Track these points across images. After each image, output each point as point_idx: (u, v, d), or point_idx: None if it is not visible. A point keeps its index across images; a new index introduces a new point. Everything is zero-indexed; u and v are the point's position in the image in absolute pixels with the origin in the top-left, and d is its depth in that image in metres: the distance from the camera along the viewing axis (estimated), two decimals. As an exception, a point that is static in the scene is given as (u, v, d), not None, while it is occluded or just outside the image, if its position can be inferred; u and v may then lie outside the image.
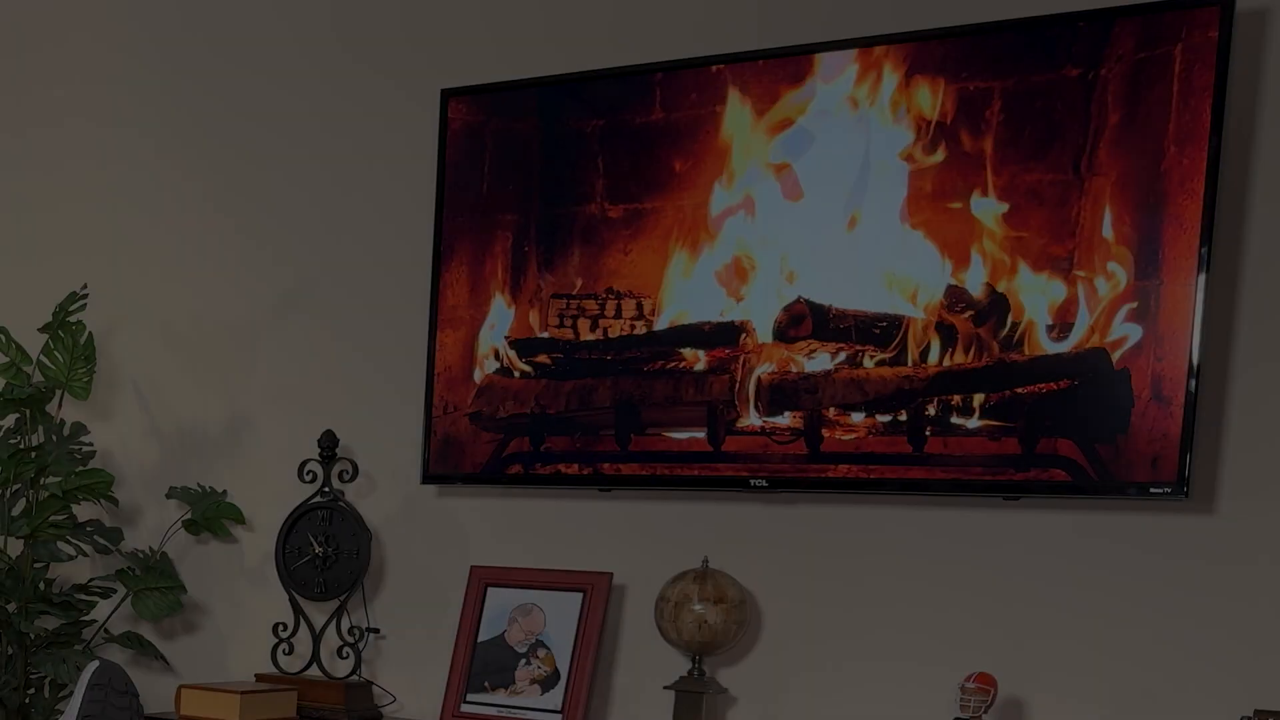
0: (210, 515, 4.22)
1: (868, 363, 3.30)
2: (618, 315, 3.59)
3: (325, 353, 4.18)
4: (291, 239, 4.25)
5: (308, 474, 4.04)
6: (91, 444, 4.24)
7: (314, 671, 4.01)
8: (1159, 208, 3.02)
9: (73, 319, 4.16)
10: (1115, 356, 3.06)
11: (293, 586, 4.03)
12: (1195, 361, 3.00)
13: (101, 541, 4.24)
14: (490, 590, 3.80)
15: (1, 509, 4.16)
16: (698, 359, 3.49)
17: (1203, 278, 2.98)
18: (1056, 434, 3.13)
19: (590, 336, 3.63)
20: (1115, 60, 3.06)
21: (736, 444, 3.45)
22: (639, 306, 3.57)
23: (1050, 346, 3.13)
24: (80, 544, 4.24)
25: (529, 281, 3.70)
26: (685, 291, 3.51)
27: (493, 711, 3.69)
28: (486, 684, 3.73)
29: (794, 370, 3.38)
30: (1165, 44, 3.01)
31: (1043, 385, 3.14)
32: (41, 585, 4.22)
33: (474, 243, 3.77)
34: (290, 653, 4.06)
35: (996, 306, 3.18)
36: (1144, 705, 3.19)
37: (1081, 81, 3.09)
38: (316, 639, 4.01)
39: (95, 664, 2.93)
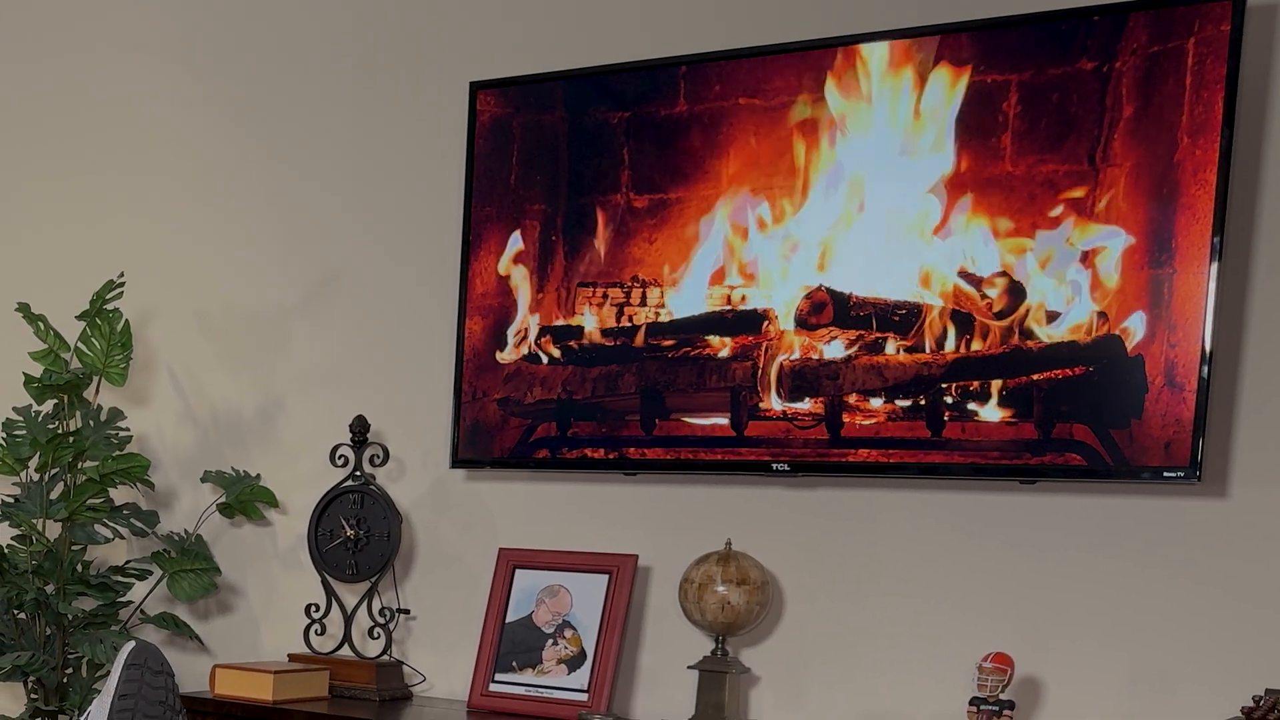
0: (244, 498, 4.24)
1: (887, 349, 3.33)
2: (643, 303, 3.63)
3: (357, 339, 4.21)
4: (323, 228, 4.27)
5: (339, 458, 4.06)
6: (128, 429, 4.26)
7: (345, 651, 4.03)
8: (1172, 198, 3.05)
9: (110, 307, 4.18)
10: (1129, 343, 3.09)
11: (325, 568, 4.05)
12: (1208, 348, 3.01)
13: (138, 524, 4.27)
14: (518, 572, 3.82)
15: (40, 493, 4.19)
16: (721, 346, 3.53)
17: (1215, 266, 3.00)
18: (1072, 419, 3.15)
19: (615, 324, 3.67)
20: (1130, 53, 3.08)
21: (759, 429, 3.48)
22: (663, 294, 3.61)
23: (1065, 334, 3.16)
24: (117, 527, 4.27)
25: (556, 270, 3.74)
26: (709, 279, 3.55)
27: (520, 690, 3.72)
28: (514, 664, 3.75)
29: (815, 357, 3.41)
30: (1178, 38, 3.03)
31: (1058, 371, 3.16)
32: (79, 567, 4.24)
33: (502, 232, 3.80)
34: (322, 633, 4.08)
35: (1013, 294, 3.20)
36: (1158, 684, 3.21)
37: (1097, 74, 3.12)
38: (348, 620, 4.03)
39: (132, 644, 2.96)
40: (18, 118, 4.86)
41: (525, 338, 3.78)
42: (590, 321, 3.69)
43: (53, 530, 4.27)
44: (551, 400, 3.74)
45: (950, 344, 3.27)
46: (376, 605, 4.02)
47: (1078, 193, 3.15)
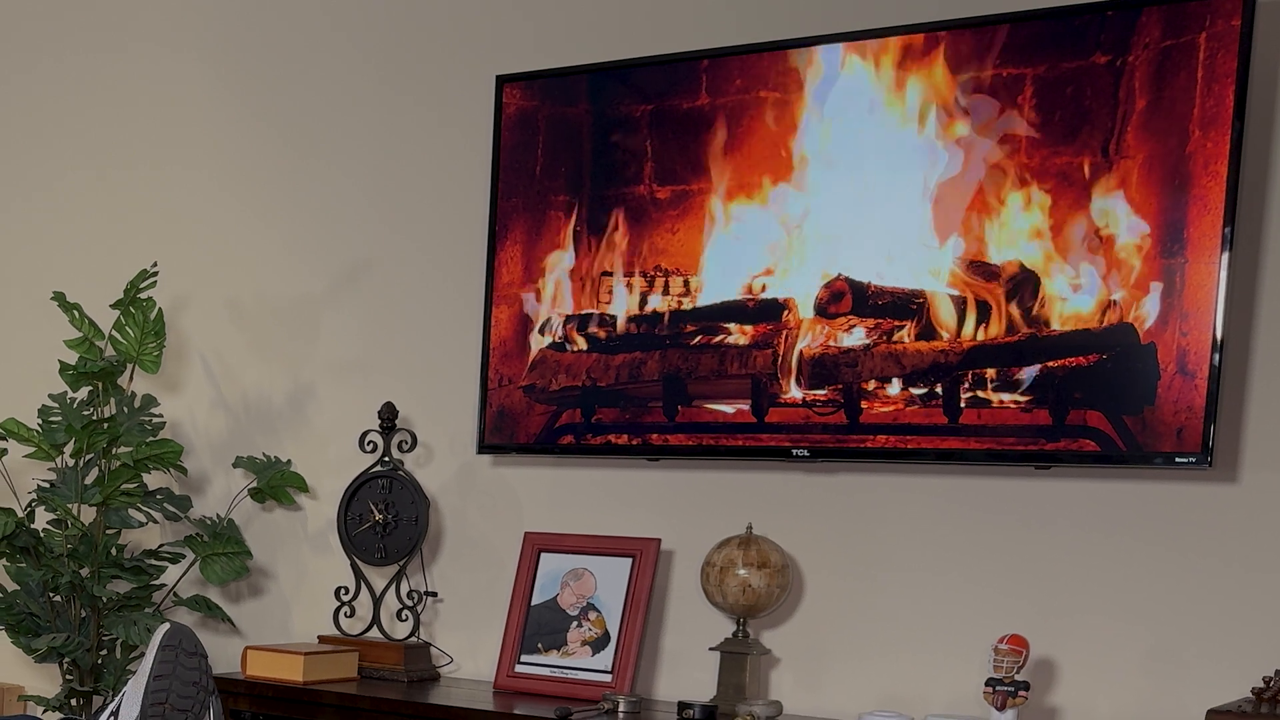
0: (275, 483, 4.26)
1: (905, 337, 3.37)
2: (665, 292, 3.66)
3: (385, 328, 4.24)
4: (353, 219, 4.30)
5: (368, 444, 4.08)
6: (161, 415, 4.27)
7: (374, 633, 4.05)
8: (1184, 189, 3.07)
9: (143, 296, 4.20)
10: (1142, 331, 3.12)
11: (354, 552, 4.08)
12: (1219, 336, 3.04)
13: (171, 509, 4.29)
14: (543, 555, 3.84)
15: (75, 478, 4.21)
16: (742, 334, 3.56)
17: (1226, 256, 3.03)
18: (1086, 406, 3.18)
19: (639, 313, 3.70)
20: (1142, 48, 3.11)
21: (779, 415, 3.51)
22: (686, 284, 3.63)
23: (1080, 322, 3.19)
24: (150, 511, 4.29)
25: (580, 260, 3.78)
26: (730, 269, 3.58)
27: (546, 672, 3.75)
28: (540, 645, 3.79)
29: (834, 345, 3.44)
30: (1190, 32, 3.06)
31: (1073, 359, 3.19)
32: (113, 551, 4.26)
33: (527, 222, 3.83)
34: (351, 615, 4.12)
35: (1028, 284, 3.24)
36: (1169, 666, 3.24)
37: (1110, 68, 3.15)
38: (377, 602, 4.06)
39: (166, 626, 2.98)
40: (55, 115, 4.90)
41: (550, 326, 3.83)
42: (614, 310, 3.73)
43: (88, 514, 4.30)
44: (576, 387, 3.78)
45: (967, 332, 3.31)
46: (405, 588, 4.05)
47: (1091, 184, 3.18)
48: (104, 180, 4.79)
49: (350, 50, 4.33)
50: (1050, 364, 3.22)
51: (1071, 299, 3.21)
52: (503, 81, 3.87)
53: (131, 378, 4.32)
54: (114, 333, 4.24)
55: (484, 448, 3.94)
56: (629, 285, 3.71)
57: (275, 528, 4.43)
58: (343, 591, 4.13)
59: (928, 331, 3.35)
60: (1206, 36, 3.05)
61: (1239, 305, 3.16)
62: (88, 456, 4.24)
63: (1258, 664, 3.14)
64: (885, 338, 3.39)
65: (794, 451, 3.50)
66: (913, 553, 3.53)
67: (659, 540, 3.73)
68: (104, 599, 4.21)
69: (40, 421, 4.25)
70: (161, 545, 4.35)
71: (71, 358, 4.32)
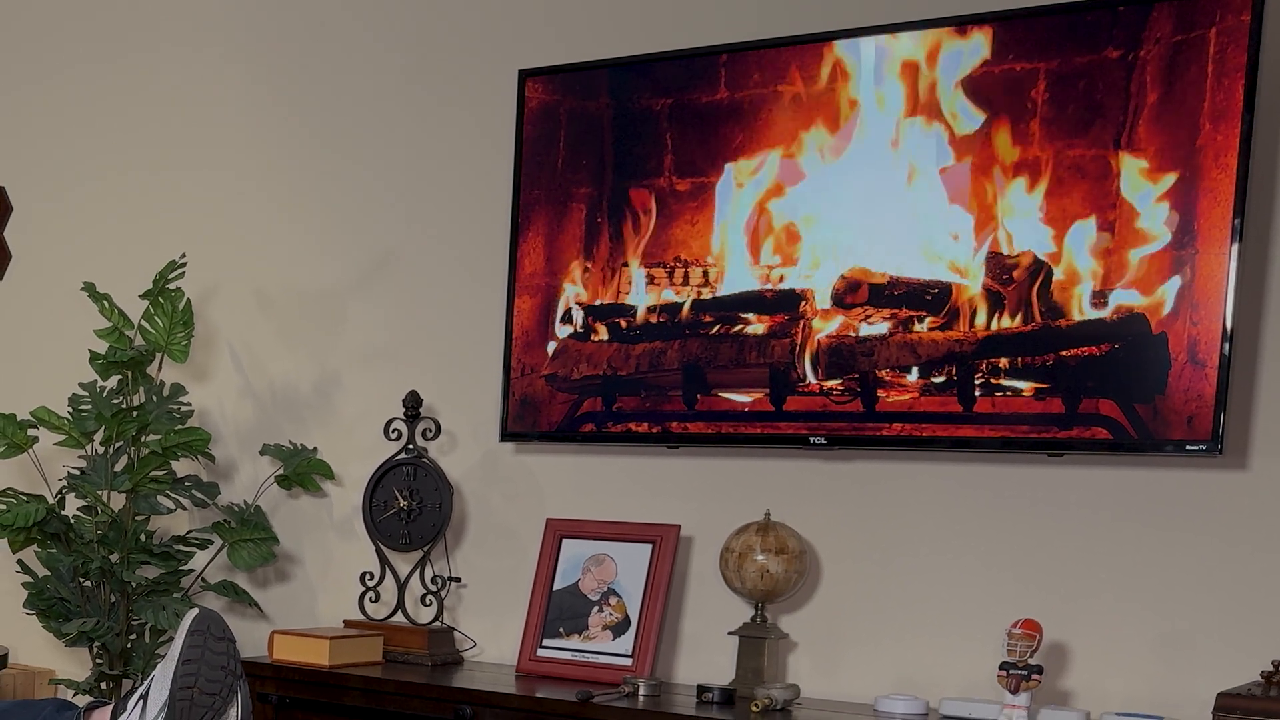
0: (301, 471, 4.28)
1: (920, 327, 3.40)
2: (685, 283, 3.69)
3: (410, 317, 4.27)
4: (378, 211, 4.33)
5: (393, 432, 4.11)
6: (190, 404, 4.31)
7: (399, 618, 4.09)
8: (1194, 181, 3.10)
9: (172, 286, 4.22)
10: (1154, 321, 3.15)
11: (379, 538, 4.11)
12: (1229, 326, 3.07)
13: (199, 496, 4.31)
14: (565, 541, 3.87)
15: (105, 465, 4.24)
16: (760, 324, 3.60)
17: (1236, 247, 3.05)
18: (1098, 395, 3.20)
19: (659, 303, 3.74)
20: (1153, 42, 3.14)
21: (797, 404, 3.54)
22: (705, 274, 3.68)
23: (1092, 312, 3.21)
24: (179, 498, 4.31)
25: (601, 251, 3.81)
26: (749, 260, 3.62)
27: (567, 656, 3.78)
28: (561, 630, 3.82)
29: (851, 334, 3.47)
30: (1200, 27, 3.09)
31: (1085, 349, 3.22)
32: (142, 537, 4.28)
33: (550, 214, 3.87)
34: (377, 600, 4.14)
35: (1041, 275, 3.26)
36: (1180, 651, 3.27)
37: (1122, 62, 3.18)
38: (401, 587, 4.10)
39: (194, 611, 2.98)
40: (87, 113, 4.94)
41: (572, 316, 3.87)
42: (635, 300, 3.76)
43: (117, 501, 4.32)
44: (597, 376, 3.82)
45: (980, 322, 3.34)
46: (429, 573, 4.09)
47: (1103, 176, 3.21)
48: (134, 174, 4.82)
49: (374, 46, 4.36)
50: (1064, 353, 3.25)
51: (1084, 289, 3.24)
52: (525, 76, 3.91)
53: (160, 367, 4.36)
54: (143, 322, 4.27)
55: (507, 435, 3.98)
56: (649, 276, 3.74)
57: (301, 514, 4.46)
58: (368, 577, 4.16)
59: (943, 322, 3.38)
60: (1217, 31, 3.08)
61: (1248, 296, 3.19)
62: (117, 444, 4.27)
63: (1267, 648, 3.17)
64: (901, 327, 3.42)
65: (811, 439, 3.54)
66: (927, 539, 3.56)
67: (679, 526, 3.76)
68: (133, 584, 4.24)
69: (70, 410, 4.28)
70: (190, 531, 4.38)
71: (101, 347, 4.34)
